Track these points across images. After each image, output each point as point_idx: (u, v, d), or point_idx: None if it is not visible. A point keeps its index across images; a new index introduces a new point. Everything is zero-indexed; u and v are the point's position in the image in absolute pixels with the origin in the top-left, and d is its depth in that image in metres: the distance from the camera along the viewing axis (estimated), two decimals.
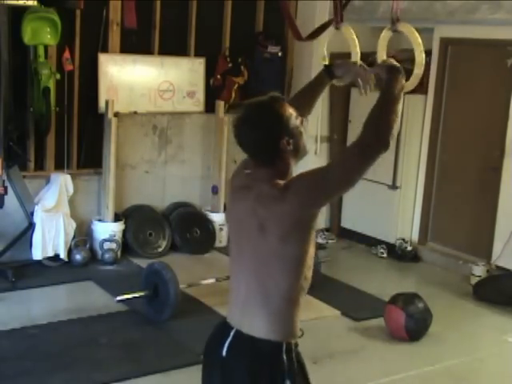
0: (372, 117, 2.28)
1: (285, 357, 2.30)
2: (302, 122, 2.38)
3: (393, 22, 3.47)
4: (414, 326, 4.82)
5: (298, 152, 2.37)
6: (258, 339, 2.31)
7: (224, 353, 2.37)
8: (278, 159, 2.32)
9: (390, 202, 6.91)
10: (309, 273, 2.39)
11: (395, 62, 2.61)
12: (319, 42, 3.28)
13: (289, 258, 2.30)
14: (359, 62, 2.82)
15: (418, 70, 3.41)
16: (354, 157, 2.21)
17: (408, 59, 6.35)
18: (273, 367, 2.30)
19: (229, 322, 2.44)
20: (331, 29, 3.38)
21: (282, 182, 2.29)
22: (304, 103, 2.64)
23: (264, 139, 2.32)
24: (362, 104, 7.49)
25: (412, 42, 3.36)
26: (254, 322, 2.33)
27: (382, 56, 3.38)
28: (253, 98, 2.47)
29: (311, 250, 2.37)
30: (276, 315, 2.31)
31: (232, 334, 2.38)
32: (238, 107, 2.16)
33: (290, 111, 2.35)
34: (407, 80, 3.51)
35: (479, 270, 6.06)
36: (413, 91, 6.95)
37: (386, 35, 3.55)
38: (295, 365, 2.33)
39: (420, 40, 3.19)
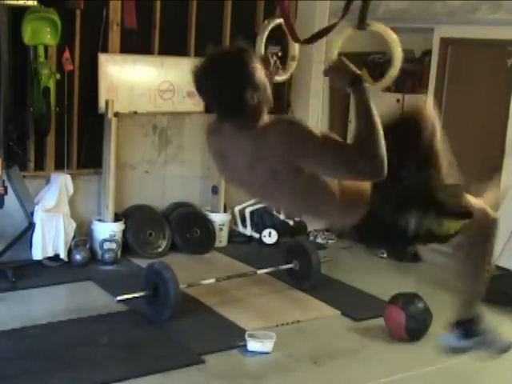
0: (362, 143, 2.19)
1: None
2: (268, 75, 2.31)
3: (361, 19, 3.34)
4: (414, 325, 4.82)
5: (262, 105, 2.27)
6: None
7: None
8: (243, 114, 2.24)
9: None
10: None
11: (349, 66, 2.40)
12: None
13: None
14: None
15: (395, 72, 3.31)
16: (347, 160, 2.18)
17: (406, 59, 6.32)
18: None
19: None
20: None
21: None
22: None
23: (228, 92, 2.24)
24: None
25: (389, 40, 3.29)
26: None
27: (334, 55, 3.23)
28: (217, 47, 2.37)
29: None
30: None
31: None
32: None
33: (256, 63, 2.24)
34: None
35: None
36: (413, 91, 6.93)
37: (347, 34, 3.43)
38: None
39: (396, 39, 3.14)
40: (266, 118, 2.30)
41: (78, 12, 5.94)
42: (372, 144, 2.15)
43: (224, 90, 2.24)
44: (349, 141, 2.25)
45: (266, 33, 3.59)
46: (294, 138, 2.17)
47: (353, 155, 2.16)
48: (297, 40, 4.76)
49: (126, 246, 6.28)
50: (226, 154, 2.40)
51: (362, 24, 3.48)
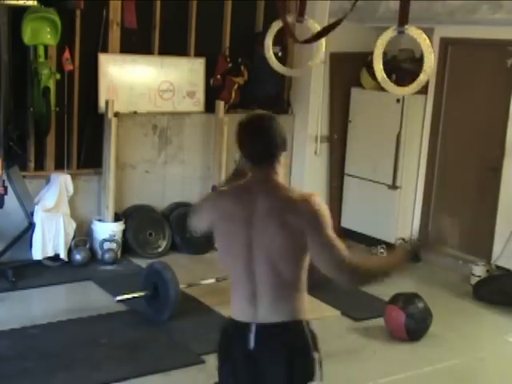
0: (364, 270, 2.53)
1: (307, 331, 2.56)
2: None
3: (401, 23, 3.44)
4: (414, 325, 4.82)
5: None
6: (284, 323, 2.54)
7: (251, 346, 2.55)
8: (276, 164, 2.62)
9: (390, 202, 6.91)
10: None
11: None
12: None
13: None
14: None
15: (425, 76, 3.43)
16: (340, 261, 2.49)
17: (407, 58, 6.38)
18: (302, 343, 2.56)
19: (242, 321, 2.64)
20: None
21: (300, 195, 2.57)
22: None
23: (278, 145, 2.60)
24: (362, 104, 7.49)
25: (422, 46, 3.35)
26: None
27: (378, 55, 3.38)
28: (254, 112, 2.78)
29: None
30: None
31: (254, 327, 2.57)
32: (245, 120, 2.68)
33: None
34: (410, 83, 3.52)
35: (479, 270, 6.05)
36: None
37: (389, 35, 3.50)
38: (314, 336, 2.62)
39: (429, 42, 3.20)
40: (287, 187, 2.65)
41: (78, 12, 5.95)
42: (361, 279, 2.58)
43: (276, 145, 2.61)
44: (348, 253, 2.52)
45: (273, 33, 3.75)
46: (320, 223, 2.50)
47: (344, 267, 2.49)
48: (296, 41, 4.76)
49: (126, 246, 6.28)
50: (248, 215, 2.57)
51: (402, 27, 3.54)
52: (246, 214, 2.56)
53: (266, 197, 2.56)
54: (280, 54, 7.00)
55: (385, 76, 3.97)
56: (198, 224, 2.80)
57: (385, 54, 6.77)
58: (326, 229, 2.50)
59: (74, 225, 5.95)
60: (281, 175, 2.62)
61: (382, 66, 4.10)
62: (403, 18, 3.58)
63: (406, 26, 3.61)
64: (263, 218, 2.53)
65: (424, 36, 3.49)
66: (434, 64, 3.55)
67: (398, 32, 3.66)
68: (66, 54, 5.89)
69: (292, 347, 2.55)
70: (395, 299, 4.94)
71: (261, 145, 2.60)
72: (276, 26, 3.97)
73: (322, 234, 2.49)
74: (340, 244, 2.50)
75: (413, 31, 3.57)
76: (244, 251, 2.57)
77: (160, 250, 6.38)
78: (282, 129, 2.63)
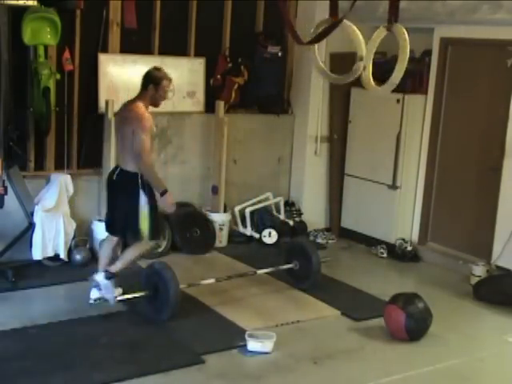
0: (151, 165, 4.93)
1: (140, 180, 4.90)
2: (170, 89, 5.10)
3: (389, 21, 3.47)
4: (414, 325, 4.82)
5: (155, 97, 5.03)
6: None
7: (114, 178, 5.01)
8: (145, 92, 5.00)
9: (390, 202, 6.92)
10: None
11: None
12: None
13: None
14: None
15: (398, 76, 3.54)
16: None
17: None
18: (135, 179, 4.92)
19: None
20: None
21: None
22: None
23: (148, 81, 5.01)
24: (362, 104, 7.48)
25: (400, 43, 3.40)
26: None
27: (370, 54, 3.49)
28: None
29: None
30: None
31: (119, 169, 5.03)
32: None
33: (167, 77, 5.10)
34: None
35: (479, 270, 6.06)
36: (413, 91, 6.95)
37: (380, 34, 3.53)
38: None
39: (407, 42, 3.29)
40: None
41: (78, 12, 5.95)
42: (145, 164, 4.85)
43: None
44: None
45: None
46: (139, 127, 4.80)
47: (143, 153, 4.80)
48: (300, 42, 4.77)
49: (127, 246, 6.25)
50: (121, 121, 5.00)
51: (391, 25, 3.58)
52: (119, 119, 5.05)
53: (125, 109, 4.94)
54: (280, 53, 7.02)
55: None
56: None
57: (384, 54, 6.81)
58: (142, 130, 4.75)
59: (73, 225, 5.95)
60: (147, 97, 4.96)
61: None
62: (394, 16, 3.61)
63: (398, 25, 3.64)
64: (122, 120, 4.93)
65: (405, 33, 3.51)
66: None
67: (388, 30, 3.68)
68: (66, 54, 5.89)
69: (132, 179, 4.88)
70: (395, 299, 4.94)
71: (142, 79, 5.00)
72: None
73: (139, 131, 4.74)
74: (147, 143, 4.78)
75: (398, 28, 3.58)
76: (119, 137, 5.00)
77: (160, 250, 6.37)
78: (155, 75, 5.01)
